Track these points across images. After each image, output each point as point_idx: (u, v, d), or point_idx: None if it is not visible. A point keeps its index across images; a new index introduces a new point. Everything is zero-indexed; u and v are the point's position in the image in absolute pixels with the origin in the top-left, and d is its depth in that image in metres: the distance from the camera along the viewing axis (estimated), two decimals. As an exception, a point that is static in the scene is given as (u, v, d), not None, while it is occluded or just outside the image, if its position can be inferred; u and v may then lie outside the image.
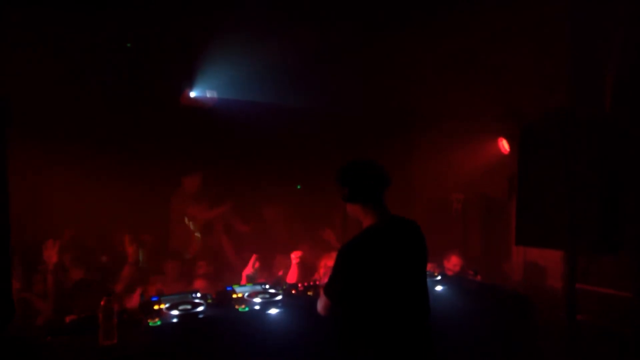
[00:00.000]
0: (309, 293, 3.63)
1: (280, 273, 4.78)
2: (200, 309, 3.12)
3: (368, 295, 2.49)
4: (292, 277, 4.42)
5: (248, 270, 4.16)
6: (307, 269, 4.65)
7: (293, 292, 3.62)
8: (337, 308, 2.61)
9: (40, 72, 5.13)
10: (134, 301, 3.95)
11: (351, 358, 2.57)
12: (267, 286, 3.59)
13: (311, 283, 3.77)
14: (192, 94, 6.11)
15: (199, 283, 4.56)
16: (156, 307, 3.04)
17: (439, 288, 3.90)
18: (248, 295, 3.36)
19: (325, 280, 2.67)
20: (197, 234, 5.84)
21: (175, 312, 3.03)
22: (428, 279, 2.94)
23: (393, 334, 2.48)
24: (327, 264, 4.60)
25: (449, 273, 4.81)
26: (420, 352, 2.54)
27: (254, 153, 6.63)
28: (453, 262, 5.04)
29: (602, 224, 3.21)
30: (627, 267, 3.99)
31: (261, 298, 3.34)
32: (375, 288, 2.47)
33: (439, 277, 4.07)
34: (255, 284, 3.70)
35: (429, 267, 3.51)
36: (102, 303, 2.64)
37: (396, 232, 2.62)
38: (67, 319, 2.95)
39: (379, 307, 2.48)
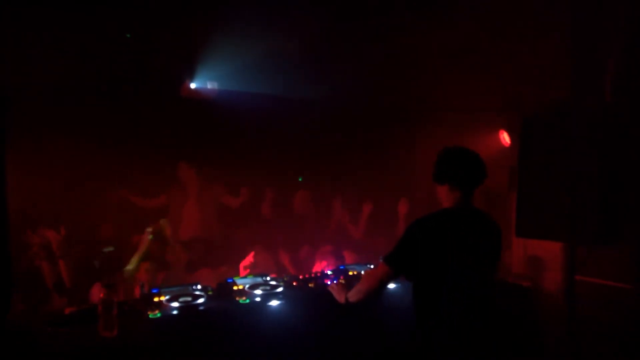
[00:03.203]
0: (310, 285, 3.64)
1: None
2: (201, 300, 3.13)
3: (429, 272, 2.56)
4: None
5: (246, 263, 4.25)
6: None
7: (294, 283, 3.63)
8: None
9: (37, 65, 5.11)
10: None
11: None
12: (268, 278, 3.60)
13: (312, 275, 3.77)
14: (193, 86, 6.08)
15: None
16: (156, 298, 3.05)
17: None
18: (249, 287, 3.37)
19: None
20: None
21: (175, 304, 3.04)
22: None
23: (451, 317, 2.54)
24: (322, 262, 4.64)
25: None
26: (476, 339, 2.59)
27: (255, 145, 6.61)
28: None
29: (602, 215, 3.21)
30: (627, 259, 3.99)
31: (262, 290, 3.35)
32: (436, 266, 2.54)
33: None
34: (256, 275, 3.71)
35: None
36: (101, 295, 2.65)
37: (470, 220, 2.68)
38: (67, 310, 2.95)
39: (438, 287, 2.55)
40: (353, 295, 2.90)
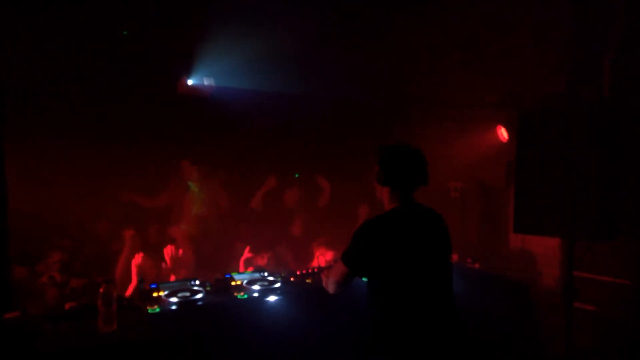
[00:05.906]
0: (308, 280, 3.64)
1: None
2: (199, 296, 3.14)
3: (386, 270, 2.48)
4: None
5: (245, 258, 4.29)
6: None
7: (292, 279, 3.63)
8: (351, 280, 2.62)
9: (32, 63, 5.08)
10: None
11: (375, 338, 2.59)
12: (266, 273, 3.60)
13: (309, 270, 3.77)
14: (190, 82, 6.05)
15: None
16: (155, 294, 3.05)
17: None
18: (247, 283, 3.37)
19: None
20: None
21: (174, 299, 3.04)
22: None
23: (413, 313, 2.48)
24: (322, 254, 4.63)
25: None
26: (446, 334, 2.53)
27: (253, 142, 6.60)
28: None
29: (601, 211, 3.22)
30: (625, 255, 4.00)
31: (260, 285, 3.36)
32: (394, 264, 2.47)
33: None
34: (254, 271, 3.71)
35: None
36: (101, 290, 2.64)
37: (418, 217, 2.65)
38: (67, 306, 2.95)
39: (397, 285, 2.49)
40: (329, 287, 2.82)
